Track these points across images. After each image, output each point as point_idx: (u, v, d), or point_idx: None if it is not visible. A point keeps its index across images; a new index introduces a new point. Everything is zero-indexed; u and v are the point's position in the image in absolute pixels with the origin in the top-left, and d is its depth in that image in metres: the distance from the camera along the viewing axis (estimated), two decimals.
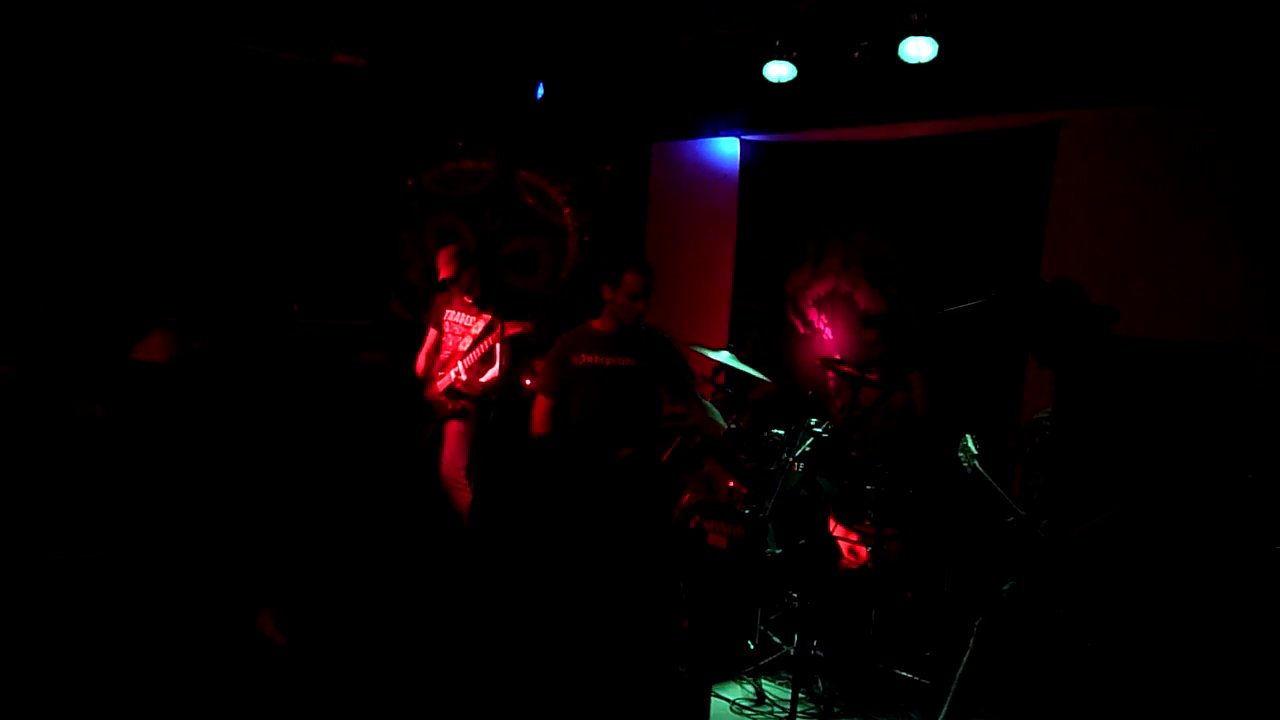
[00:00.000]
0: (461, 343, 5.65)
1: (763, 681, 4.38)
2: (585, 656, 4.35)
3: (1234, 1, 4.30)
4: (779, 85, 5.56)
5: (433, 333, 5.84)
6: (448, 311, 5.76)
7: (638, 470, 4.35)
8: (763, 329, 6.75)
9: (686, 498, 5.63)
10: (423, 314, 6.07)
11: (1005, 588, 3.22)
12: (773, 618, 4.73)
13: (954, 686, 3.21)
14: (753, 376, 5.31)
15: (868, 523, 4.71)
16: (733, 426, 4.59)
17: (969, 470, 3.66)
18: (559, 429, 4.49)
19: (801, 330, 6.51)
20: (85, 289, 5.86)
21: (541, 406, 4.51)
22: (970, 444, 3.73)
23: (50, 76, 5.68)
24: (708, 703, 4.06)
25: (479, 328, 5.60)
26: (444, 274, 5.58)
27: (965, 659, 3.21)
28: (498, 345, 5.45)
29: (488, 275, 5.89)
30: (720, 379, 5.74)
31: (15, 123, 5.60)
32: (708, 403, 4.61)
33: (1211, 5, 4.35)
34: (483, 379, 5.58)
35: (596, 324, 4.47)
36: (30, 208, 5.67)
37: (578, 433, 4.48)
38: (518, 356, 5.77)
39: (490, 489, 5.64)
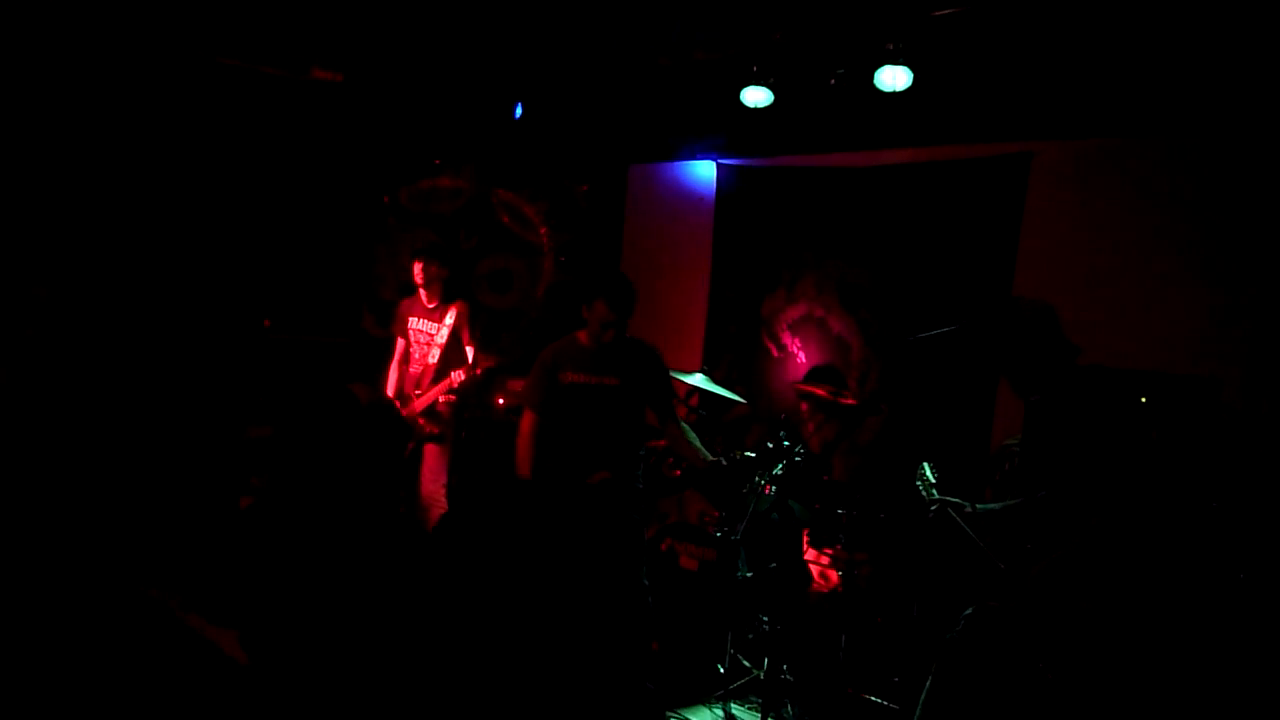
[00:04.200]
0: (430, 354, 5.64)
1: (732, 706, 4.36)
2: (553, 678, 4.32)
3: (1201, 37, 4.38)
4: (756, 110, 5.59)
5: (400, 342, 5.85)
6: (410, 319, 5.78)
7: (612, 495, 4.32)
8: (737, 351, 6.76)
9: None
10: (390, 325, 6.09)
11: (966, 613, 3.23)
12: (744, 641, 4.72)
13: (918, 712, 3.21)
14: (727, 398, 5.32)
15: (839, 547, 4.71)
16: (721, 461, 4.54)
17: (927, 498, 3.67)
18: (544, 446, 4.44)
19: (775, 353, 6.53)
20: (56, 298, 5.79)
21: (528, 422, 4.45)
22: (928, 472, 3.75)
23: (25, 89, 5.63)
24: None
25: (443, 336, 5.62)
26: (422, 261, 5.68)
27: (927, 685, 3.21)
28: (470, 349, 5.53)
29: (454, 281, 5.93)
30: (694, 400, 5.75)
31: None
32: (686, 426, 4.58)
33: (1180, 40, 4.43)
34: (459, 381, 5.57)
35: (582, 338, 4.43)
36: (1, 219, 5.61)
37: (557, 455, 4.43)
38: (488, 380, 5.81)
39: (463, 510, 5.61)
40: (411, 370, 5.77)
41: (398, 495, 5.73)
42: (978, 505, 3.46)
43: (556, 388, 4.38)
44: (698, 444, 4.50)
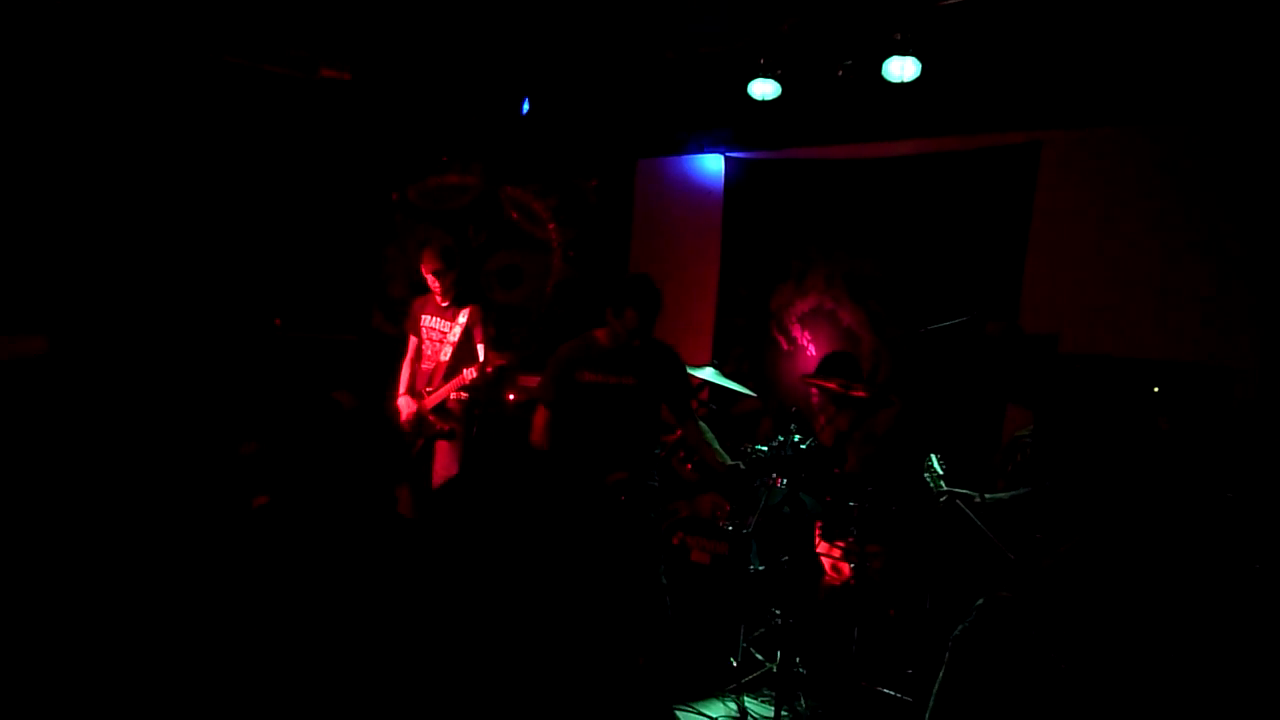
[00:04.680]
0: (442, 352, 5.65)
1: (745, 699, 4.36)
2: (565, 674, 4.34)
3: (1211, 23, 4.35)
4: (763, 103, 5.58)
5: (413, 340, 5.86)
6: (424, 317, 5.78)
7: (629, 494, 4.32)
8: (746, 345, 6.76)
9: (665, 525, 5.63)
10: (403, 322, 6.09)
11: (977, 603, 3.22)
12: (756, 635, 4.72)
13: (931, 703, 3.21)
14: (737, 392, 5.32)
15: (851, 539, 4.71)
16: (740, 466, 4.52)
17: (934, 489, 3.67)
18: (557, 443, 4.45)
19: (785, 346, 6.52)
20: (63, 299, 5.83)
21: (541, 417, 4.46)
22: (935, 464, 3.74)
23: (36, 88, 5.65)
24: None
25: (455, 334, 5.63)
26: (431, 266, 5.59)
27: (940, 675, 3.21)
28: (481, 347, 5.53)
29: (466, 282, 5.93)
30: (704, 394, 5.75)
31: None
32: (705, 426, 4.58)
33: (1190, 27, 4.40)
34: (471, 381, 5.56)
35: (600, 336, 4.41)
36: (10, 219, 5.63)
37: (573, 454, 4.42)
38: (499, 377, 5.81)
39: (478, 508, 5.62)
40: (424, 367, 5.78)
41: (391, 498, 5.75)
42: (986, 495, 3.46)
43: (573, 386, 4.37)
44: (716, 445, 4.49)
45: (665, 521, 5.40)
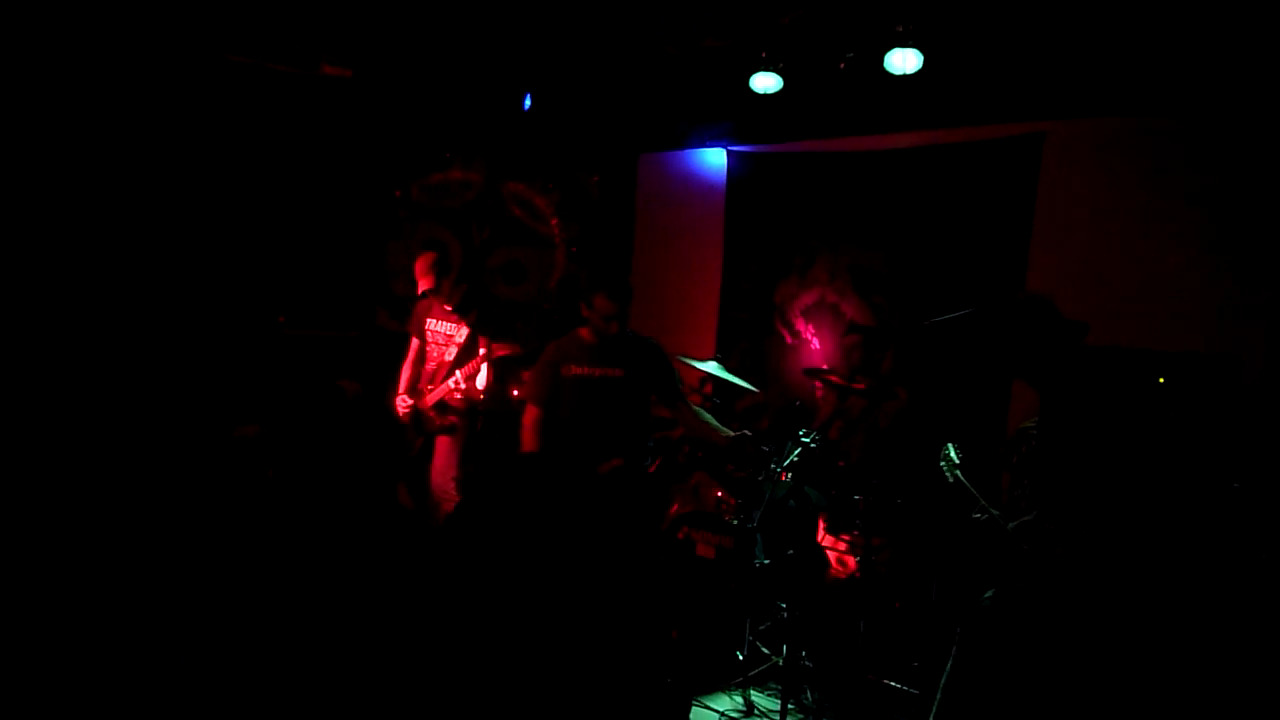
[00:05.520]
0: (447, 352, 5.62)
1: (751, 692, 4.37)
2: (569, 669, 4.33)
3: (1215, 14, 4.33)
4: (765, 96, 5.57)
5: (415, 341, 5.81)
6: (428, 320, 5.73)
7: (625, 482, 4.35)
8: (750, 339, 6.75)
9: (674, 508, 5.62)
10: (405, 323, 6.07)
11: (986, 595, 3.22)
12: (761, 628, 4.72)
13: (938, 696, 3.21)
14: (740, 386, 5.31)
15: (856, 532, 4.71)
16: (744, 433, 4.57)
17: (950, 479, 3.67)
18: (548, 439, 4.50)
19: (789, 340, 6.52)
20: (67, 300, 5.83)
21: (531, 416, 4.54)
22: (952, 453, 3.74)
23: (37, 87, 5.66)
24: (688, 714, 4.06)
25: (462, 335, 5.59)
26: (424, 285, 5.60)
27: (948, 668, 3.21)
28: (485, 365, 5.47)
29: (471, 284, 5.91)
30: (708, 389, 5.74)
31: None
32: (698, 407, 4.61)
33: (1194, 17, 4.39)
34: (478, 387, 5.56)
35: (584, 334, 4.50)
36: (11, 218, 5.64)
37: (565, 445, 4.48)
38: (504, 369, 5.79)
39: (475, 501, 5.61)
40: (427, 367, 5.75)
41: (393, 490, 5.74)
42: (994, 511, 3.46)
43: (560, 381, 4.46)
44: (714, 423, 4.55)
45: (668, 514, 5.41)
